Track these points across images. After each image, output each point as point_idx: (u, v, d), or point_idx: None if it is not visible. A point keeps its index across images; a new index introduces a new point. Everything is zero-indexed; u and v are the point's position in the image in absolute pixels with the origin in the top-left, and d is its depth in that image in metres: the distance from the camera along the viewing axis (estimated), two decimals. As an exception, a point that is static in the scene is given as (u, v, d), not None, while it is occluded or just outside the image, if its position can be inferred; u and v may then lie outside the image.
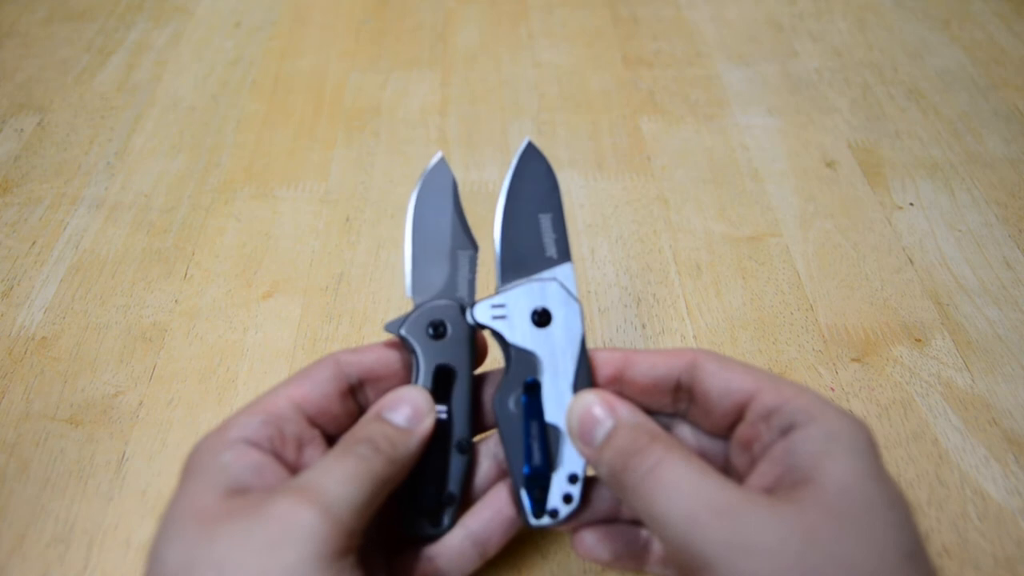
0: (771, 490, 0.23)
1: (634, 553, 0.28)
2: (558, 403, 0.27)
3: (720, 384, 0.25)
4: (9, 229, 0.48)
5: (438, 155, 0.31)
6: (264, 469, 0.24)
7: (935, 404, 0.38)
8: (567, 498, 0.27)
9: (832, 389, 0.39)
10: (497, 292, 0.28)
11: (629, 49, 0.62)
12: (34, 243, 0.47)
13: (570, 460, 0.27)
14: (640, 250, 0.46)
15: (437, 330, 0.28)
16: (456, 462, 0.27)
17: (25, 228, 0.48)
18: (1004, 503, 0.34)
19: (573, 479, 0.27)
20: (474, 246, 0.30)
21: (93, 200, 0.49)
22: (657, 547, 0.28)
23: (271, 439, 0.25)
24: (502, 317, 0.28)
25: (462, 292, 0.29)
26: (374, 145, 0.53)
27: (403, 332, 0.28)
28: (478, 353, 0.29)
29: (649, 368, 0.27)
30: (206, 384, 0.39)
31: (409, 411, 0.26)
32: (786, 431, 0.23)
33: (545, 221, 0.29)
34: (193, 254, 0.46)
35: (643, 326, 0.41)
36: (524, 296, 0.28)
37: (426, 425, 0.26)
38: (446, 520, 0.27)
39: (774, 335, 0.41)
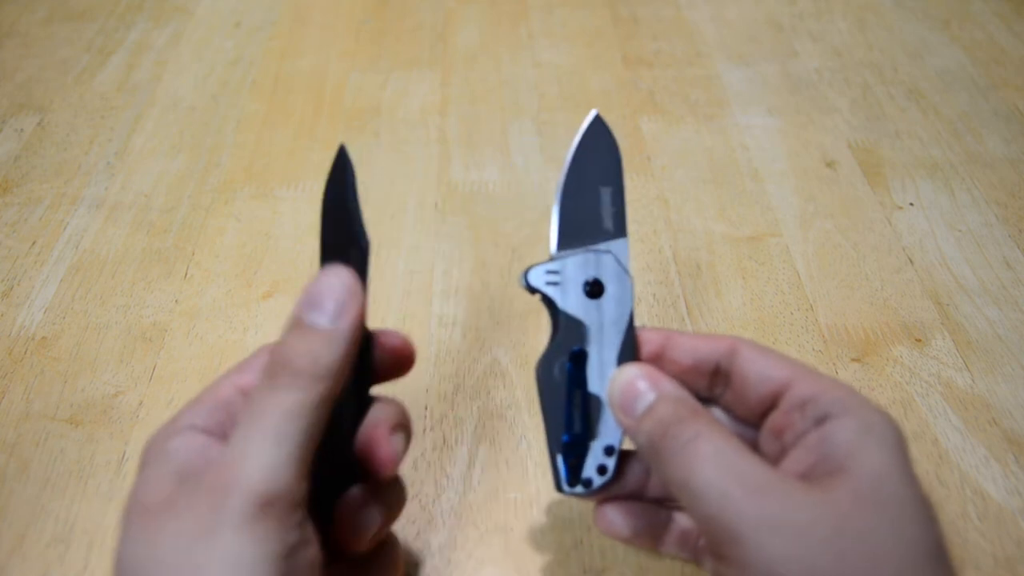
0: (803, 477, 0.23)
1: (653, 532, 0.28)
2: (601, 374, 0.27)
3: (758, 371, 0.26)
4: (9, 229, 0.48)
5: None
6: (212, 451, 0.23)
7: (935, 404, 0.38)
8: (601, 469, 0.27)
9: (832, 389, 0.39)
10: (552, 259, 0.28)
11: (629, 49, 0.62)
12: (34, 243, 0.47)
13: (607, 432, 0.27)
14: (640, 250, 0.46)
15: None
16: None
17: (25, 228, 0.48)
18: (1004, 503, 0.34)
19: (609, 451, 0.27)
20: (360, 244, 0.29)
21: (93, 200, 0.49)
22: (675, 527, 0.28)
23: (221, 424, 0.24)
24: (556, 284, 0.28)
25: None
26: (374, 145, 0.53)
27: None
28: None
29: (691, 349, 0.27)
30: (206, 384, 0.39)
31: (332, 305, 0.23)
32: (820, 421, 0.24)
33: (605, 194, 0.30)
34: (193, 254, 0.46)
35: (643, 326, 0.41)
36: (579, 266, 0.28)
37: (351, 316, 0.23)
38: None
39: (774, 335, 0.41)
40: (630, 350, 0.27)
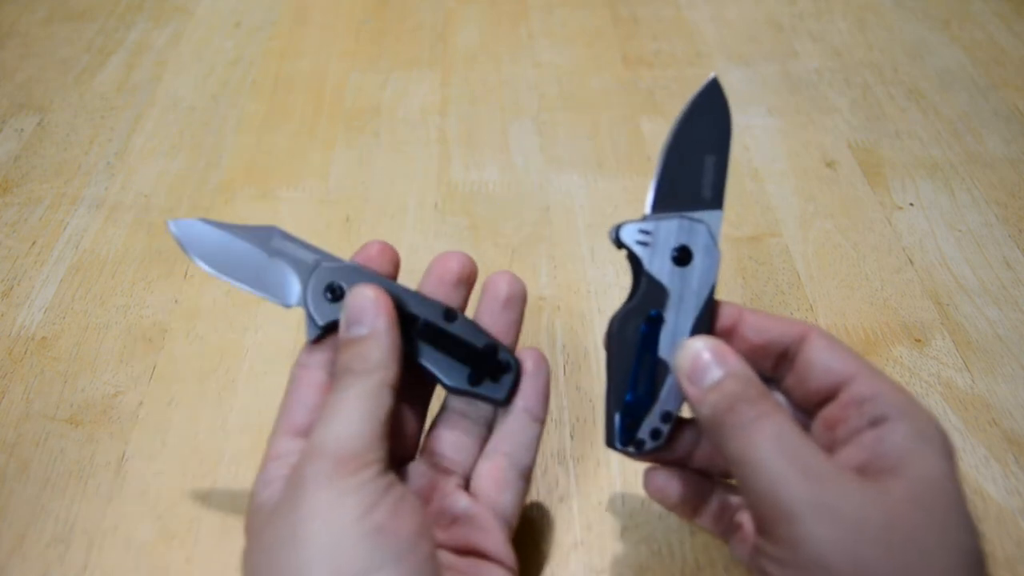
0: (856, 472, 0.24)
1: (695, 502, 0.29)
2: (674, 342, 0.27)
3: (823, 361, 0.26)
4: (9, 229, 0.48)
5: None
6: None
7: (935, 404, 0.38)
8: (655, 433, 0.28)
9: (832, 389, 0.39)
10: (645, 218, 0.28)
11: (629, 49, 0.62)
12: (34, 243, 0.47)
13: (668, 398, 0.28)
14: (640, 250, 0.46)
15: (335, 293, 0.29)
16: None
17: (25, 228, 0.48)
18: (1004, 503, 0.34)
19: (666, 417, 0.28)
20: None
21: (93, 200, 0.49)
22: (715, 501, 0.29)
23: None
24: (645, 244, 0.28)
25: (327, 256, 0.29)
26: (374, 145, 0.53)
27: (296, 303, 0.29)
28: None
29: (763, 329, 0.28)
30: (206, 384, 0.39)
31: (364, 316, 0.27)
32: (876, 422, 0.24)
33: (709, 162, 0.29)
34: (193, 254, 0.46)
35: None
36: (672, 230, 0.28)
37: (383, 318, 0.27)
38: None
39: (774, 335, 0.41)
40: (706, 323, 0.28)
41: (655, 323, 0.28)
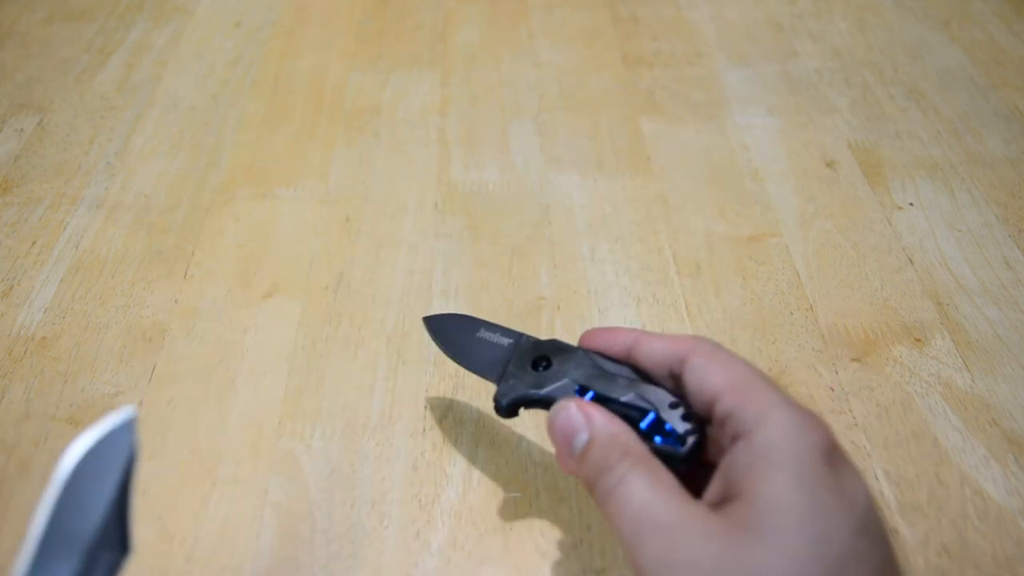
0: (715, 503, 0.23)
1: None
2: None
3: (696, 381, 0.26)
4: (9, 229, 0.48)
5: (127, 413, 0.22)
6: None
7: (935, 404, 0.38)
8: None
9: (832, 389, 0.39)
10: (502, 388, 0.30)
11: (629, 49, 0.62)
12: (34, 243, 0.47)
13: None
14: (640, 250, 0.46)
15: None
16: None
17: (25, 228, 0.48)
18: (1004, 503, 0.34)
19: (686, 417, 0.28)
20: (124, 548, 0.22)
21: (93, 200, 0.49)
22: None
23: None
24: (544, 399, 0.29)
25: None
26: (374, 145, 0.53)
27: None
28: None
29: (650, 353, 0.27)
30: (206, 384, 0.39)
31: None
32: (734, 439, 0.23)
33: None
34: (193, 254, 0.46)
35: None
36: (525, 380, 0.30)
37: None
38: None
39: (774, 335, 0.41)
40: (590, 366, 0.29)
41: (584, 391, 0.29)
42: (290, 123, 0.55)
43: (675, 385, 0.27)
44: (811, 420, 0.23)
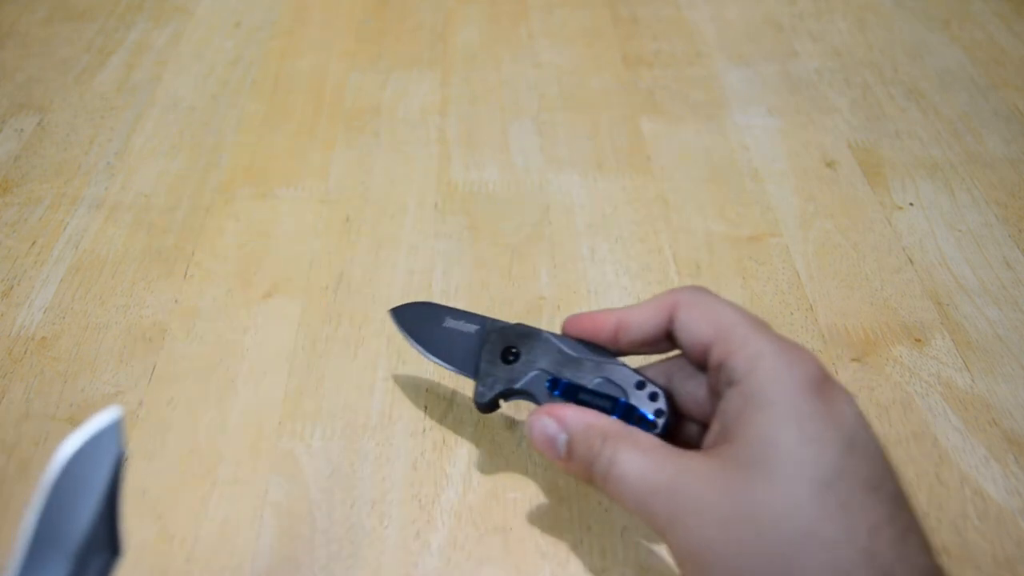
0: (712, 448, 0.24)
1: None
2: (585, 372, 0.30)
3: (686, 337, 0.27)
4: (9, 229, 0.48)
5: (114, 413, 0.22)
6: None
7: (935, 404, 0.38)
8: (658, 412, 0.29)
9: (832, 389, 0.39)
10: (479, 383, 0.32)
11: (629, 49, 0.62)
12: (34, 243, 0.47)
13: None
14: (640, 250, 0.46)
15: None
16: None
17: (25, 228, 0.48)
18: (1004, 503, 0.34)
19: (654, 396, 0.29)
20: (115, 550, 0.22)
21: (93, 200, 0.49)
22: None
23: None
24: (493, 388, 0.31)
25: None
26: (374, 145, 0.53)
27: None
28: None
29: (638, 326, 0.28)
30: (206, 384, 0.39)
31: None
32: (728, 386, 0.24)
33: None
34: (193, 254, 0.46)
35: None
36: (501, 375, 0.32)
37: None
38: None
39: (774, 335, 0.41)
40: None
41: (556, 383, 0.30)
42: (290, 123, 0.55)
43: (671, 345, 0.28)
44: (797, 355, 0.24)
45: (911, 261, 0.45)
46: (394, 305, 0.36)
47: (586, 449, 0.26)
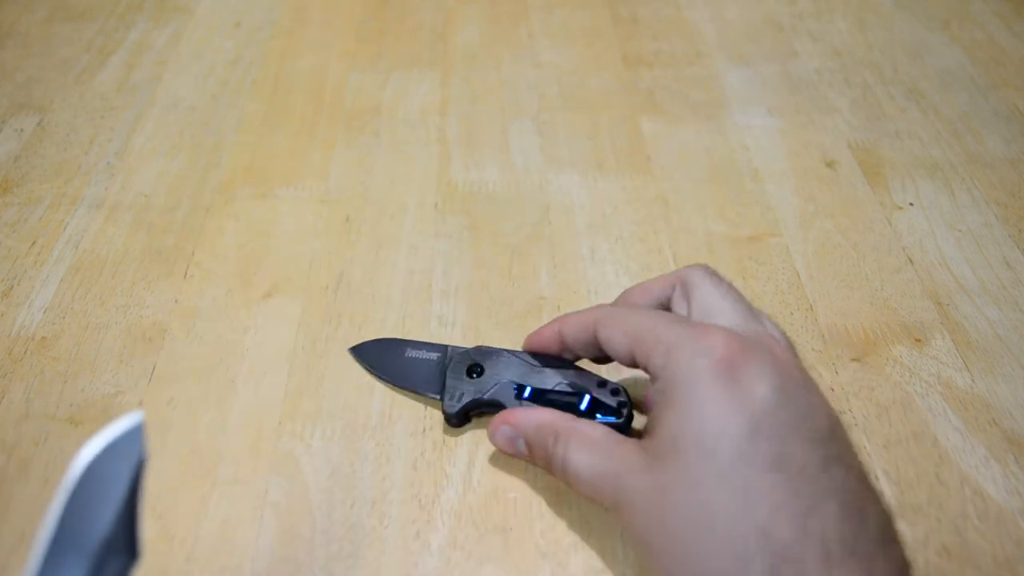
0: (643, 439, 0.26)
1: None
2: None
3: (610, 349, 0.29)
4: (9, 229, 0.48)
5: (136, 418, 0.22)
6: None
7: (935, 404, 0.38)
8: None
9: (832, 389, 0.39)
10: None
11: (629, 49, 0.62)
12: (34, 243, 0.47)
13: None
14: (640, 250, 0.46)
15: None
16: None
17: (25, 228, 0.48)
18: (1004, 503, 0.34)
19: (615, 391, 0.32)
20: (133, 553, 0.22)
21: (93, 200, 0.49)
22: None
23: None
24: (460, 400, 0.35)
25: None
26: (374, 145, 0.53)
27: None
28: None
29: (574, 340, 0.31)
30: (206, 384, 0.39)
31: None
32: (653, 382, 0.26)
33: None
34: (193, 254, 0.46)
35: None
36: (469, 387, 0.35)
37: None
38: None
39: (774, 335, 0.41)
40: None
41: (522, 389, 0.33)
42: (290, 123, 0.55)
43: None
44: (709, 340, 0.25)
45: (911, 261, 0.45)
46: (352, 345, 0.39)
47: (541, 447, 0.29)
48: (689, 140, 0.53)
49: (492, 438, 0.31)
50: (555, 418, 0.29)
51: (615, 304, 0.33)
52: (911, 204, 0.49)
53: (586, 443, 0.27)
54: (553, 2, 0.67)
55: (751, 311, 0.30)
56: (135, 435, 0.21)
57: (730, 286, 0.31)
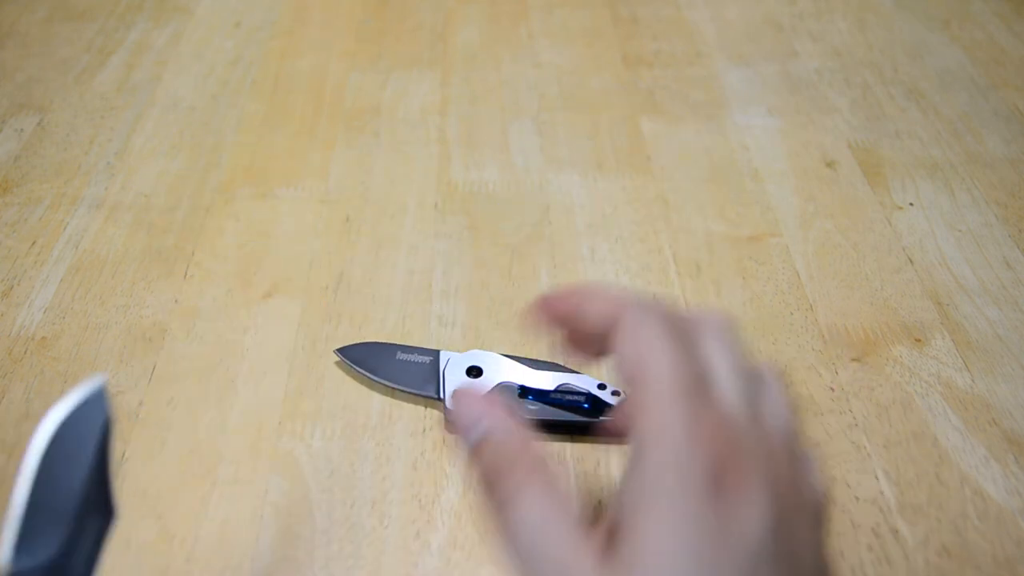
0: (611, 529, 0.21)
1: None
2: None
3: (618, 362, 0.23)
4: (9, 229, 0.48)
5: (98, 380, 0.22)
6: None
7: (935, 404, 0.38)
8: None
9: (832, 389, 0.39)
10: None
11: (629, 49, 0.62)
12: (34, 243, 0.47)
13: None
14: (640, 250, 0.46)
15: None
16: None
17: (25, 228, 0.48)
18: (1004, 503, 0.34)
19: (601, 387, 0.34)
20: (109, 513, 0.23)
21: (93, 200, 0.49)
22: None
23: None
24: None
25: (77, 570, 0.21)
26: (374, 145, 0.53)
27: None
28: None
29: (594, 320, 0.25)
30: (206, 384, 0.39)
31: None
32: (632, 458, 0.21)
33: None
34: (193, 254, 0.46)
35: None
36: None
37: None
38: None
39: (774, 335, 0.41)
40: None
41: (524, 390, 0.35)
42: (290, 123, 0.55)
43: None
44: (705, 437, 0.20)
45: (911, 261, 0.45)
46: (339, 347, 0.39)
47: (495, 459, 0.22)
48: (689, 140, 0.53)
49: (456, 402, 0.24)
50: (534, 448, 0.23)
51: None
52: (911, 204, 0.49)
53: (549, 498, 0.21)
54: (553, 2, 0.67)
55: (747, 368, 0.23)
56: (99, 398, 0.22)
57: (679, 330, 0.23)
